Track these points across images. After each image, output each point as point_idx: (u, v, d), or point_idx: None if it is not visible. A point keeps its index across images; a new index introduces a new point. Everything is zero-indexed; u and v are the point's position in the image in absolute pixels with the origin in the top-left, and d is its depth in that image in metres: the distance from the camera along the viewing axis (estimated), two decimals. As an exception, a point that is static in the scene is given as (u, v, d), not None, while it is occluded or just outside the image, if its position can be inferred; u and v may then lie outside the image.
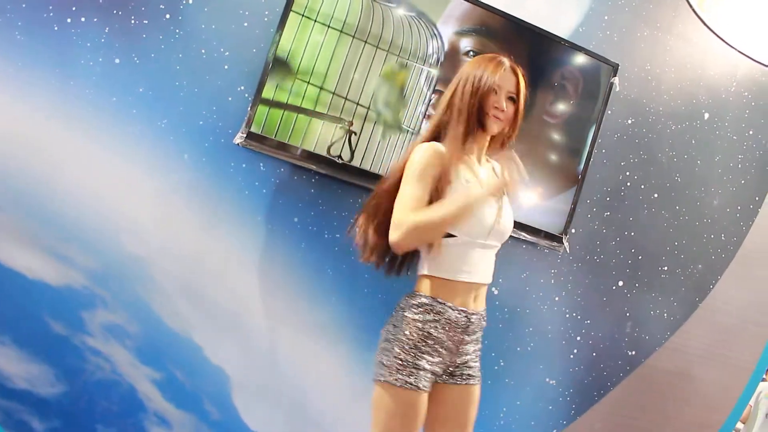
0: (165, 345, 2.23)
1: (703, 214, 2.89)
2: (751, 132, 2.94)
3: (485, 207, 1.82)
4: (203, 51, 2.21)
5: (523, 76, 1.90)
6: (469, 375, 1.90)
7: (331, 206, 2.35)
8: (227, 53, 2.22)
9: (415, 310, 1.83)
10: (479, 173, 1.89)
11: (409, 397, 1.78)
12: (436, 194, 1.80)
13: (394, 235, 1.75)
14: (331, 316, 2.38)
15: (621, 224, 2.76)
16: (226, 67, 2.22)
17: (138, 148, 2.17)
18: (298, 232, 2.33)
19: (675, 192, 2.83)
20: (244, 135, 2.19)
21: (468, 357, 1.90)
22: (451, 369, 1.88)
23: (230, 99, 2.23)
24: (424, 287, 1.86)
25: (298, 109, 2.23)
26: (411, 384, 1.77)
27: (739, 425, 4.61)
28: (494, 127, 1.88)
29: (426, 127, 2.03)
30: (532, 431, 2.70)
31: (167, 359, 2.23)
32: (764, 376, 3.77)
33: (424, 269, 1.87)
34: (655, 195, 2.80)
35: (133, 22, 2.16)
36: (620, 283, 2.78)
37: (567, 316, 2.71)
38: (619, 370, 2.82)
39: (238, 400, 2.31)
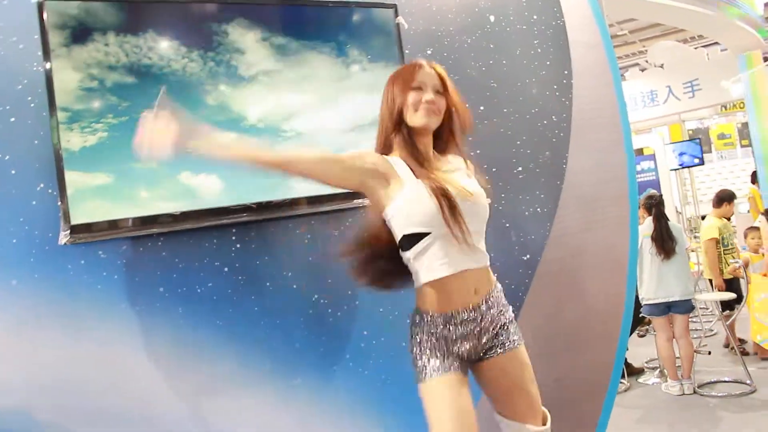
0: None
1: (530, 106, 2.99)
2: (535, 17, 3.06)
3: (421, 197, 1.85)
4: (-22, 165, 1.96)
5: (443, 70, 1.99)
6: (503, 343, 1.95)
7: (190, 260, 2.20)
8: (7, 157, 1.99)
9: (417, 329, 1.93)
10: (444, 172, 1.93)
11: (443, 382, 1.84)
12: (380, 193, 1.89)
13: None
14: (240, 364, 2.25)
15: (464, 147, 2.79)
16: (13, 171, 1.99)
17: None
18: (169, 300, 2.16)
19: (497, 98, 2.90)
20: (68, 231, 1.99)
21: (495, 332, 1.95)
22: (482, 351, 1.94)
23: (34, 203, 2.00)
24: (420, 301, 1.95)
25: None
26: (439, 370, 1.85)
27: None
28: (428, 120, 1.93)
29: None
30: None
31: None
32: (639, 220, 4.02)
33: (416, 282, 1.94)
34: (481, 108, 2.86)
35: None
36: (488, 201, 2.83)
37: (457, 253, 2.73)
38: (523, 278, 2.89)
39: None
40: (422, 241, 1.86)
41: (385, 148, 1.98)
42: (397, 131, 1.94)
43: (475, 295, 1.92)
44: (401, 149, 1.93)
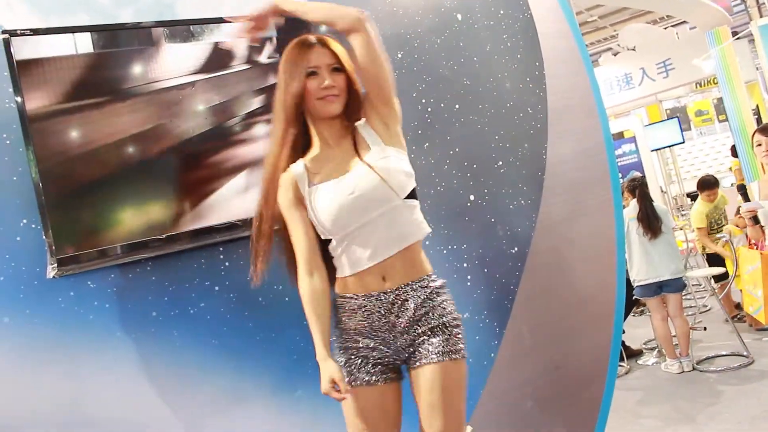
0: None
1: (504, 100, 3.02)
2: (502, 12, 3.09)
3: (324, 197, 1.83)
4: (-42, 207, 1.96)
5: (334, 42, 1.85)
6: (417, 359, 1.84)
7: (181, 282, 2.20)
8: (-13, 196, 1.99)
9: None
10: (337, 164, 1.86)
11: (360, 394, 1.84)
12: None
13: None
14: (240, 380, 2.25)
15: (444, 147, 2.81)
16: (-7, 210, 1.99)
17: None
18: (163, 324, 2.16)
19: (471, 94, 2.92)
20: (55, 264, 1.98)
21: (412, 337, 1.84)
22: (404, 356, 1.87)
23: (19, 239, 2.00)
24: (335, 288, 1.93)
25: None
26: (354, 382, 1.84)
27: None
28: (332, 107, 1.83)
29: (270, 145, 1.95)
30: (475, 368, 2.73)
31: None
32: (623, 204, 4.06)
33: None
34: (457, 106, 2.88)
35: None
36: (472, 198, 2.85)
37: (444, 252, 2.75)
38: (514, 270, 2.91)
39: None
40: (330, 244, 1.89)
41: (284, 141, 1.87)
42: (296, 124, 1.86)
43: (384, 283, 1.83)
44: (298, 145, 1.89)
